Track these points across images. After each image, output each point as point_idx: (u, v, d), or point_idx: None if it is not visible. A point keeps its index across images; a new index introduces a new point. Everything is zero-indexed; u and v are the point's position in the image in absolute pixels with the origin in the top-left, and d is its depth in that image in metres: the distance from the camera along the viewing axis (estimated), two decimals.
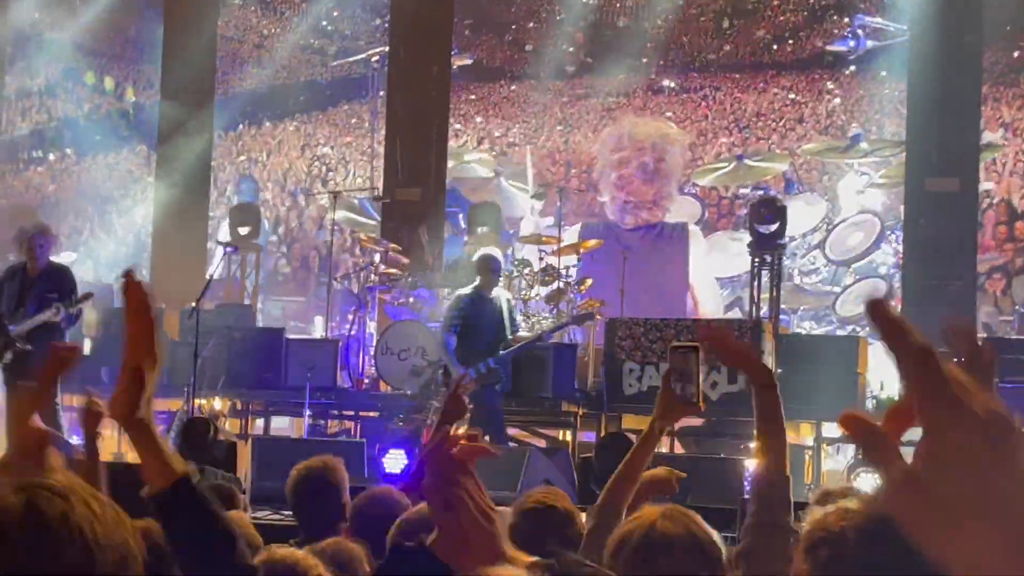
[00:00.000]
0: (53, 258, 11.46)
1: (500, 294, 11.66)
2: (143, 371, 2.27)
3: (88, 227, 20.84)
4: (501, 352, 11.32)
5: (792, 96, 18.55)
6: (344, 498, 5.33)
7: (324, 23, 18.91)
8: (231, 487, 6.28)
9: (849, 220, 17.49)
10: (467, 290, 11.61)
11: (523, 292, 13.46)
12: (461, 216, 16.83)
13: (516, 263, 13.62)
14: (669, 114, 18.82)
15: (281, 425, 14.06)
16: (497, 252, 11.96)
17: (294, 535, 5.19)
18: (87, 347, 14.01)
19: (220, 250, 14.23)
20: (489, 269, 11.49)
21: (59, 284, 10.86)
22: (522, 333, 11.96)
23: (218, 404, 12.96)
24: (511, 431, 12.74)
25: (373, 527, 4.92)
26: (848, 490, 4.71)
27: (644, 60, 19.03)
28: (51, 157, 21.12)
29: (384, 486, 5.44)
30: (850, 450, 11.72)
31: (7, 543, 1.80)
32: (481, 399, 10.65)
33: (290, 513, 8.29)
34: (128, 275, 2.30)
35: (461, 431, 2.30)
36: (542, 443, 12.15)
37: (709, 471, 9.35)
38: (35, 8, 19.53)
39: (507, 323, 11.47)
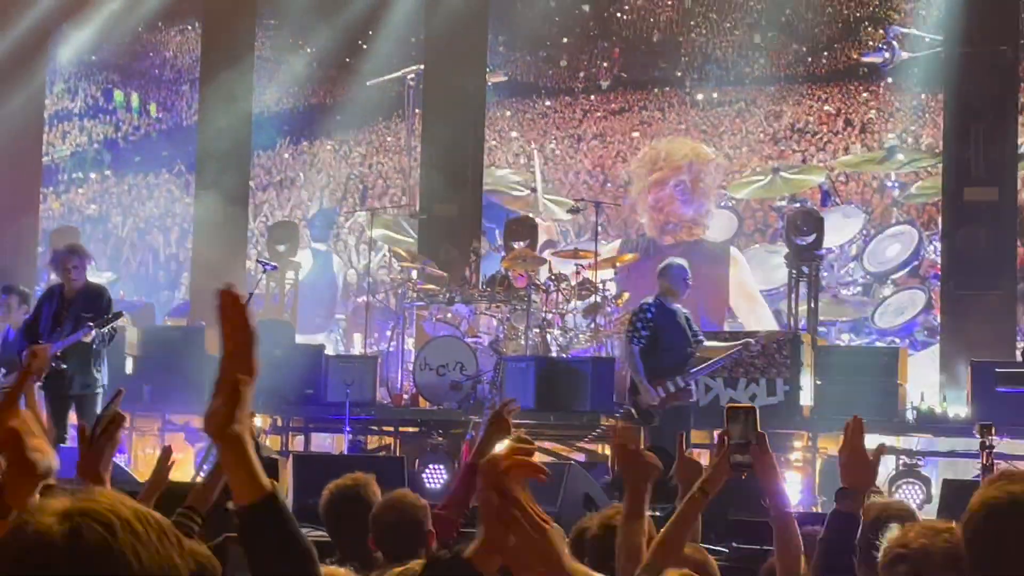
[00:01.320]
0: (91, 278, 11.55)
1: (678, 308, 11.08)
2: (240, 386, 2.25)
3: (128, 247, 21.00)
4: (691, 370, 10.89)
5: (827, 108, 18.52)
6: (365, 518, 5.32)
7: (359, 42, 19.01)
8: None
9: (887, 231, 17.44)
10: (650, 299, 11.07)
11: (560, 306, 13.49)
12: (498, 232, 16.88)
13: (552, 277, 13.66)
14: (704, 128, 18.83)
15: (321, 442, 14.12)
16: (683, 261, 11.43)
17: (332, 554, 5.22)
18: (129, 366, 14.13)
19: (259, 267, 14.31)
20: (673, 278, 11.00)
21: (95, 305, 10.94)
22: (709, 343, 11.44)
23: (259, 421, 13.04)
24: (548, 445, 12.76)
25: (391, 532, 4.96)
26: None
27: (678, 74, 19.06)
28: (91, 178, 21.31)
29: (401, 490, 5.43)
30: (891, 462, 11.68)
31: (51, 572, 1.82)
32: (677, 415, 10.49)
33: None
34: (225, 289, 2.28)
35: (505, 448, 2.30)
36: (581, 457, 12.16)
37: (748, 485, 9.30)
38: (73, 31, 19.72)
39: (689, 337, 11.01)
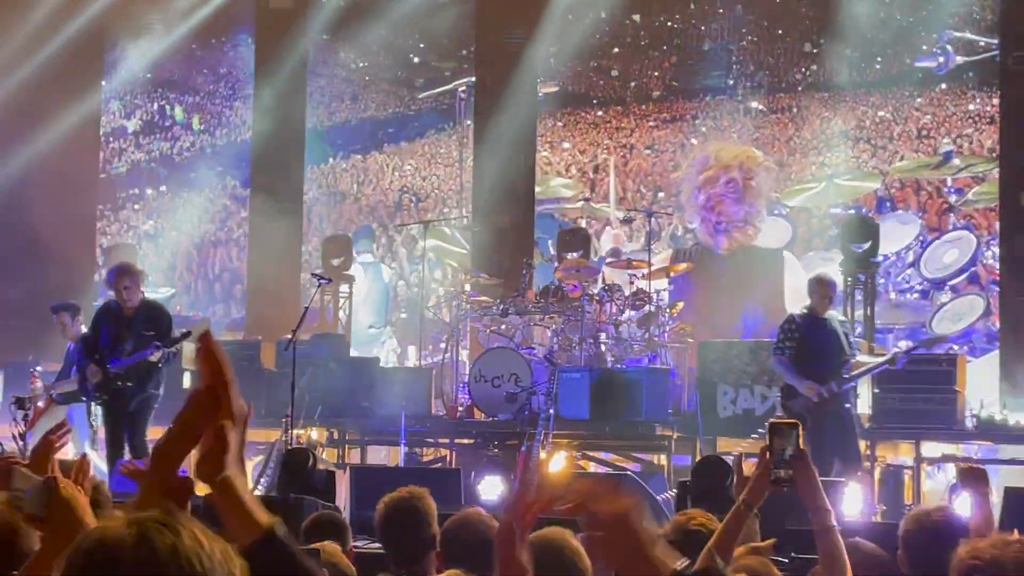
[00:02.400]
0: (148, 294, 11.63)
1: (832, 316, 11.13)
2: (224, 430, 2.26)
3: (184, 262, 21.17)
4: (845, 376, 10.83)
5: (881, 114, 18.39)
6: (433, 528, 5.31)
7: (411, 56, 19.09)
8: (343, 519, 6.33)
9: (944, 237, 17.28)
10: (798, 310, 11.22)
11: (613, 317, 13.46)
12: (550, 242, 16.88)
13: (606, 287, 13.63)
14: (756, 135, 18.75)
15: (377, 454, 14.17)
16: (830, 274, 11.53)
17: (387, 567, 5.22)
18: (186, 380, 14.23)
19: (314, 281, 14.38)
20: (821, 291, 11.04)
21: (155, 322, 10.95)
22: (862, 357, 11.47)
23: (315, 434, 13.09)
24: (604, 456, 12.74)
25: (465, 551, 4.94)
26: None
27: (730, 82, 18.99)
28: (147, 194, 21.50)
29: (473, 508, 5.42)
30: (951, 470, 11.56)
31: (119, 574, 1.87)
32: (838, 417, 10.51)
33: None
34: (204, 334, 2.30)
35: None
36: (637, 467, 12.13)
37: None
38: (129, 49, 19.93)
39: (844, 345, 10.98)
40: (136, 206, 21.56)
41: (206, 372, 2.29)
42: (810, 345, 10.79)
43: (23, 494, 3.21)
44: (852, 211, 16.61)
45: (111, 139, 21.02)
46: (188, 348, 14.61)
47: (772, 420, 4.00)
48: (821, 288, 10.97)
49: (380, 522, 5.40)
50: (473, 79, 17.28)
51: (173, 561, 1.87)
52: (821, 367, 10.72)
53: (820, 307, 10.95)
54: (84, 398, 11.12)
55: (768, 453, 3.83)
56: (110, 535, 1.89)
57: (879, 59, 18.28)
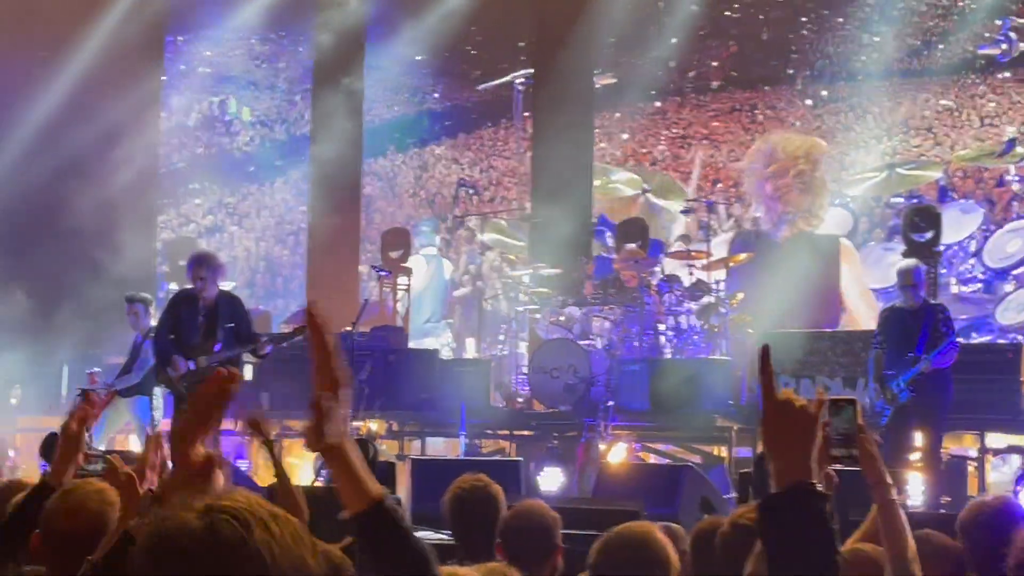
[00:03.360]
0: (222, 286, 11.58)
1: (927, 307, 10.81)
2: (327, 400, 2.32)
3: (245, 255, 21.32)
4: (887, 373, 10.64)
5: (944, 102, 18.19)
6: (502, 516, 5.30)
7: (469, 48, 19.11)
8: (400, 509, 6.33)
9: (1007, 226, 17.08)
10: (889, 304, 11.21)
11: (672, 308, 13.41)
12: (608, 234, 16.84)
13: (664, 278, 13.57)
14: (817, 125, 18.60)
15: (436, 446, 14.20)
16: (917, 263, 11.25)
17: (453, 556, 5.22)
18: (248, 372, 14.34)
19: (373, 273, 14.43)
20: (906, 282, 10.74)
21: (235, 315, 10.83)
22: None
23: (375, 426, 13.14)
24: (663, 447, 12.70)
25: (525, 542, 4.92)
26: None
27: (790, 72, 18.86)
28: (207, 189, 21.67)
29: (534, 499, 5.40)
30: (1015, 460, 11.41)
31: (190, 566, 1.88)
32: (921, 408, 10.36)
33: (449, 534, 8.39)
34: (309, 307, 2.37)
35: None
36: (698, 459, 12.08)
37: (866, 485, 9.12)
38: (188, 44, 20.08)
39: (932, 336, 10.65)
40: (196, 201, 21.74)
41: (312, 343, 2.34)
42: (886, 337, 10.71)
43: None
44: (914, 200, 16.44)
45: (171, 134, 21.20)
46: None
47: (831, 398, 3.98)
48: (905, 279, 10.72)
49: (451, 507, 5.36)
50: (531, 71, 17.26)
51: (243, 551, 1.88)
52: (888, 359, 10.61)
53: (907, 298, 10.71)
54: (162, 386, 11.06)
55: (827, 431, 3.84)
56: (180, 525, 1.90)
57: (941, 47, 18.08)
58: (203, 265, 10.89)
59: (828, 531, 2.39)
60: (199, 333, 10.76)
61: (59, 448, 4.10)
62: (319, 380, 2.34)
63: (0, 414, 14.73)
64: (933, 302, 11.07)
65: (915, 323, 10.63)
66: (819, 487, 2.45)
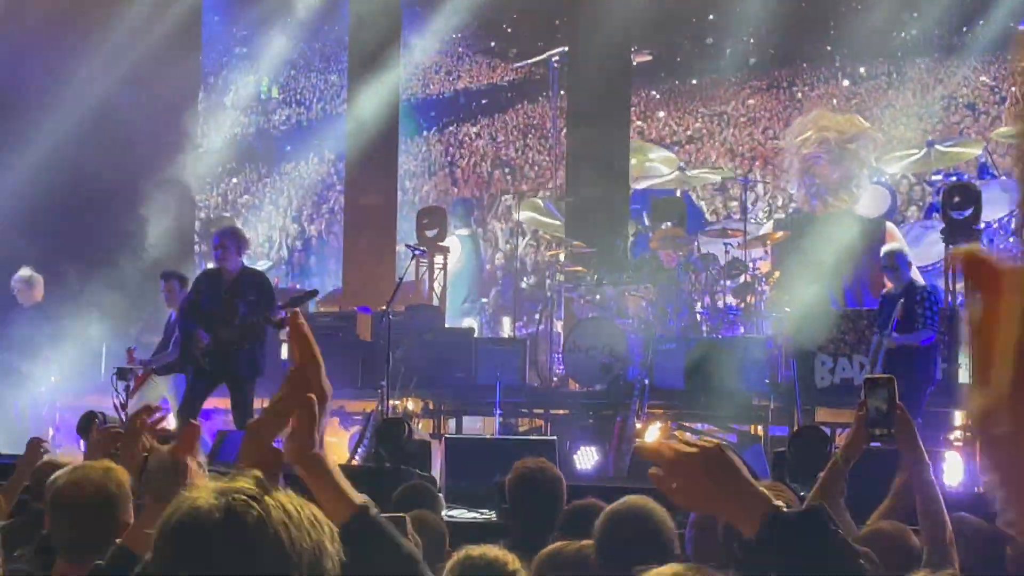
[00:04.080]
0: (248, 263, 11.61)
1: (909, 289, 10.98)
2: (313, 408, 2.30)
3: (281, 236, 21.37)
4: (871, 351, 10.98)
5: (984, 79, 18.01)
6: (560, 504, 5.23)
7: (504, 25, 19.05)
8: (432, 488, 6.34)
9: None
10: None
11: (709, 287, 13.35)
12: (645, 213, 16.78)
13: (701, 257, 13.52)
14: (855, 102, 18.45)
15: (472, 425, 14.21)
16: (899, 247, 11.64)
17: (490, 533, 5.19)
18: (283, 351, 14.38)
19: (408, 252, 14.42)
20: (887, 264, 11.12)
21: (258, 289, 10.85)
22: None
23: (411, 405, 13.16)
24: (700, 426, 12.66)
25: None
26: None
27: (828, 48, 18.70)
28: (244, 168, 21.72)
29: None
30: None
31: (208, 548, 1.90)
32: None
33: (483, 512, 8.39)
34: (292, 318, 2.34)
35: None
36: (734, 438, 12.04)
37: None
38: (224, 24, 20.12)
39: (905, 317, 10.84)
40: (234, 180, 21.80)
41: (296, 351, 2.33)
42: (878, 323, 10.98)
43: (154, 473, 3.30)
44: (953, 178, 16.29)
45: (208, 113, 21.24)
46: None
47: (867, 376, 4.01)
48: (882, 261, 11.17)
49: (511, 490, 5.29)
50: (566, 49, 17.19)
51: (260, 534, 1.90)
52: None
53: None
54: (188, 364, 11.12)
55: (863, 409, 3.86)
56: (198, 508, 1.92)
57: (981, 22, 17.88)
58: (226, 236, 10.98)
59: (839, 541, 2.30)
60: (221, 306, 10.76)
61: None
62: (301, 389, 2.32)
63: (41, 392, 14.83)
64: (917, 284, 11.10)
65: (894, 307, 10.82)
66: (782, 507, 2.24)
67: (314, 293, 11.06)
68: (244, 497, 1.92)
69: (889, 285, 11.24)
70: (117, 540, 3.31)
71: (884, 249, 11.46)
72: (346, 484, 2.30)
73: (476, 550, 3.61)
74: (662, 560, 2.82)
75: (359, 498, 2.31)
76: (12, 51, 15.77)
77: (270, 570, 1.91)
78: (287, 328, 2.56)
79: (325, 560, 1.95)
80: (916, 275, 11.22)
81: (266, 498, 1.93)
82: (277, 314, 10.56)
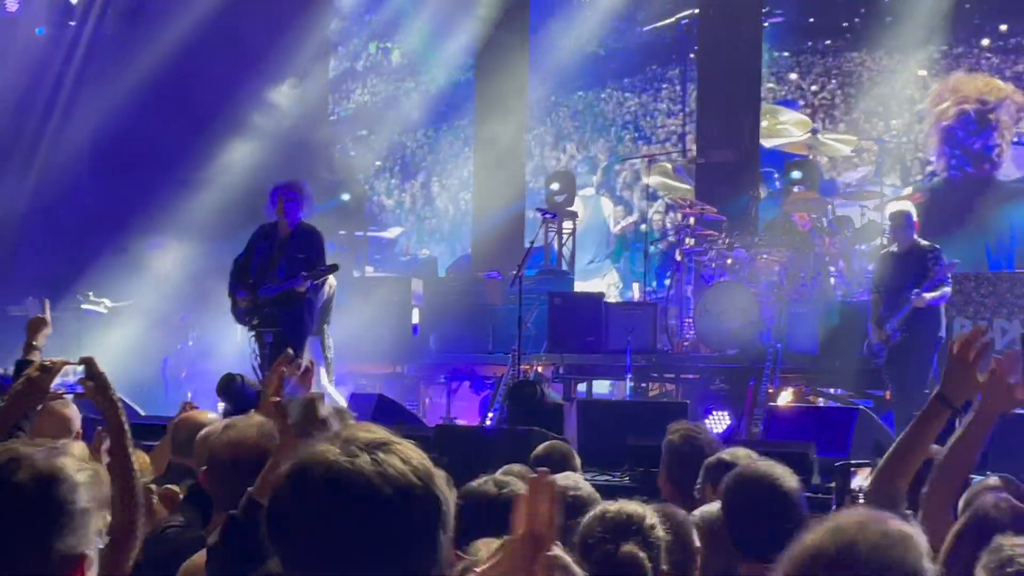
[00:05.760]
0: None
1: (917, 250, 10.93)
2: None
3: (411, 200, 21.54)
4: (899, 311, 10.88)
5: None
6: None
7: None
8: (568, 446, 6.36)
9: None
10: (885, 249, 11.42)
11: (843, 250, 13.15)
12: (776, 175, 16.57)
13: (836, 220, 13.32)
14: (996, 62, 17.98)
15: (602, 388, 14.21)
16: (907, 206, 11.39)
17: (622, 496, 5.17)
18: (415, 316, 14.54)
19: (539, 217, 14.43)
20: (895, 223, 11.09)
21: (307, 246, 10.61)
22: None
23: (541, 368, 13.20)
24: (834, 391, 12.51)
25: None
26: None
27: (967, 6, 18.22)
28: (372, 136, 21.91)
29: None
30: None
31: (329, 496, 1.96)
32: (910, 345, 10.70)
33: (615, 475, 8.38)
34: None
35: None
36: (869, 403, 11.86)
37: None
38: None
39: (922, 280, 10.77)
40: (364, 148, 22.00)
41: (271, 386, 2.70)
42: (881, 283, 11.07)
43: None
44: None
45: (339, 81, 21.45)
46: (416, 285, 14.92)
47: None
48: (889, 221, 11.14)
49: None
50: (696, 11, 17.00)
51: (384, 482, 1.96)
52: (887, 306, 10.87)
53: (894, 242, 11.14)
54: (235, 319, 10.97)
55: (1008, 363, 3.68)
56: (316, 459, 1.98)
57: None
58: (296, 188, 10.78)
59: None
60: (265, 262, 10.62)
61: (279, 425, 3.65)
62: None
63: (179, 356, 15.18)
64: (924, 244, 10.88)
65: (905, 266, 10.81)
66: None
67: (335, 267, 10.89)
68: (363, 448, 1.98)
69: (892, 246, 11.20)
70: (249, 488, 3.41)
71: (894, 208, 11.40)
72: None
73: (613, 505, 3.62)
74: (790, 526, 2.70)
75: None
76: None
77: (414, 513, 1.97)
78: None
79: (443, 503, 2.01)
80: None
81: (381, 448, 1.99)
82: (303, 284, 10.39)
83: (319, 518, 1.93)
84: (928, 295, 10.63)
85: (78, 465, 2.42)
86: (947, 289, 10.78)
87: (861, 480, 6.33)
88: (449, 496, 2.03)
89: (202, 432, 4.59)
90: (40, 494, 2.35)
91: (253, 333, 10.74)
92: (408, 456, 1.99)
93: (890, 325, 10.77)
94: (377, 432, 2.03)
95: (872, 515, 2.21)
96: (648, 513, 3.62)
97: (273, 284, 10.53)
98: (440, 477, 2.02)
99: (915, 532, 2.19)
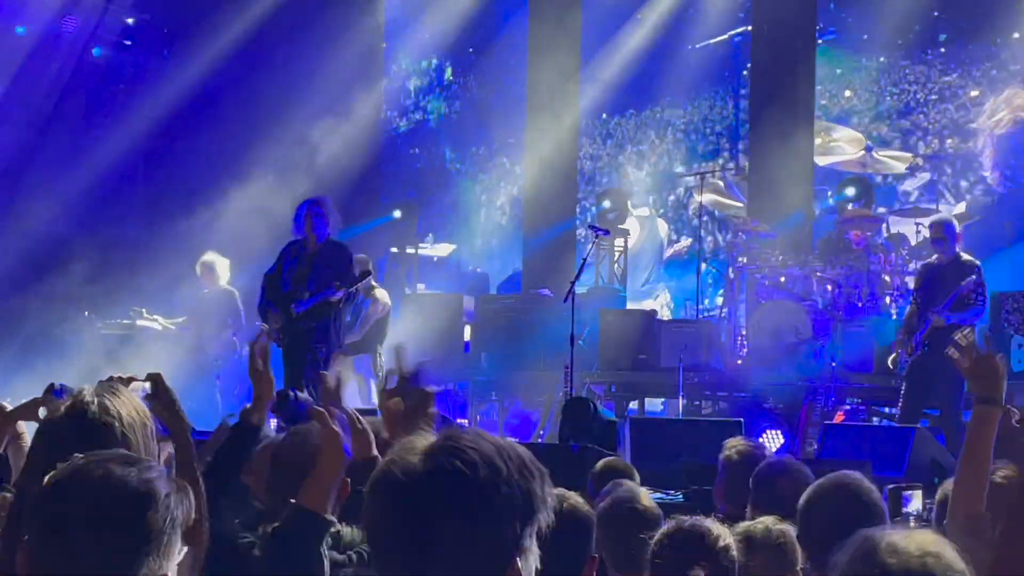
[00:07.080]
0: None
1: (958, 264, 10.79)
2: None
3: (462, 219, 21.56)
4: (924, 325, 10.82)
5: None
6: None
7: (685, 5, 18.83)
8: (626, 462, 6.34)
9: None
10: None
11: (898, 268, 13.04)
12: (829, 192, 16.47)
13: (890, 237, 13.21)
14: None
15: (655, 406, 14.15)
16: (947, 216, 11.35)
17: (676, 512, 5.14)
18: (467, 333, 14.54)
19: (590, 234, 14.39)
20: (935, 235, 10.86)
21: (335, 260, 10.65)
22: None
23: (593, 386, 13.16)
24: (890, 410, 12.38)
25: (779, 497, 4.74)
26: None
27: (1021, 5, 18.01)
28: (426, 155, 21.96)
29: (785, 456, 5.30)
30: None
31: (411, 504, 1.95)
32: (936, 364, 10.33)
33: (670, 493, 8.33)
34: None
35: None
36: (926, 422, 11.72)
37: None
38: (408, 11, 20.35)
39: (959, 297, 10.66)
40: (418, 165, 22.05)
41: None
42: (919, 295, 10.98)
43: None
44: None
45: (393, 99, 21.51)
46: (468, 303, 14.92)
47: None
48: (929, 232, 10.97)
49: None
50: (749, 28, 16.93)
51: (466, 491, 1.94)
52: (922, 317, 10.72)
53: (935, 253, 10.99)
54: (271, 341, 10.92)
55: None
56: (407, 469, 1.97)
57: None
58: (324, 204, 10.82)
59: None
60: (292, 279, 10.66)
61: (254, 388, 4.21)
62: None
63: (230, 372, 15.25)
64: (965, 258, 10.65)
65: (943, 278, 10.57)
66: None
67: (367, 274, 10.92)
68: (451, 456, 1.96)
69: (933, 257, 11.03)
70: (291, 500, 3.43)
71: (933, 218, 11.20)
72: None
73: (687, 520, 3.59)
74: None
75: None
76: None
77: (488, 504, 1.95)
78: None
79: (534, 495, 1.99)
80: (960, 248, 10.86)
81: (474, 454, 1.96)
82: (335, 295, 10.41)
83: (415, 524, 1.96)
84: (948, 314, 10.41)
85: (168, 484, 2.43)
86: (978, 307, 10.51)
87: (917, 504, 6.23)
88: (543, 496, 2.01)
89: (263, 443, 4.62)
90: (133, 519, 2.35)
91: (283, 351, 10.71)
92: (504, 461, 1.99)
93: (916, 338, 10.63)
94: (469, 435, 2.04)
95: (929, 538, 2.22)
96: (722, 531, 3.59)
97: (304, 298, 10.56)
98: (539, 479, 2.01)
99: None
